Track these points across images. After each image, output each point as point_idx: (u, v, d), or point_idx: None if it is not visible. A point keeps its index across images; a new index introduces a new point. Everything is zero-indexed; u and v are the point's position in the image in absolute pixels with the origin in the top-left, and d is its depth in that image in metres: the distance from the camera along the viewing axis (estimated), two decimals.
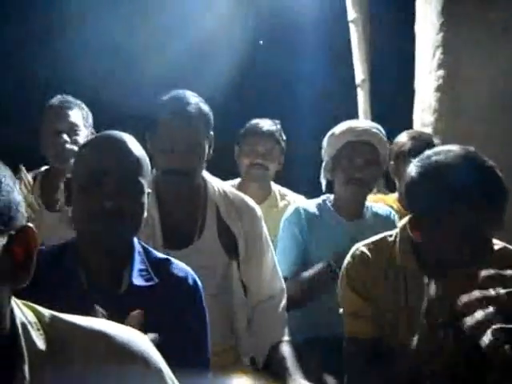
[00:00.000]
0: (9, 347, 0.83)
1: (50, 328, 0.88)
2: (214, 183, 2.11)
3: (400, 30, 3.60)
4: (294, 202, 2.87)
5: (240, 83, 4.27)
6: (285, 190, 2.99)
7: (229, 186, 2.20)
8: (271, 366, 2.00)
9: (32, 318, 0.88)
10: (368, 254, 1.70)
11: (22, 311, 0.88)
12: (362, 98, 3.70)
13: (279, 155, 2.88)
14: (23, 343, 0.84)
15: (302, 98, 4.30)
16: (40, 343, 0.86)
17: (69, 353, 0.86)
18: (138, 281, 1.46)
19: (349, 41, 3.81)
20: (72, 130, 2.39)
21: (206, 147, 2.00)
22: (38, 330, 0.87)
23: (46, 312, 0.90)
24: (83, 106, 2.49)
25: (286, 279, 2.23)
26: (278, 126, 2.92)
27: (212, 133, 2.05)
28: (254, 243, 2.08)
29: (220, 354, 1.97)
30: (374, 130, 2.35)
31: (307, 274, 2.27)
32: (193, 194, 2.04)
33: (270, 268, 2.13)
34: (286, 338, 2.05)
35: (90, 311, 1.31)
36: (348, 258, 1.74)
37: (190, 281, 1.53)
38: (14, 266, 0.82)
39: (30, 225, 0.85)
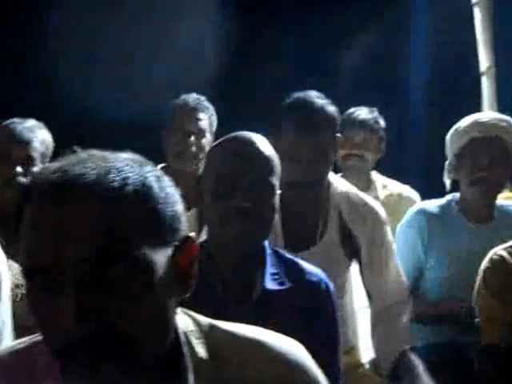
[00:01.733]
0: (173, 356, 0.85)
1: (209, 336, 0.89)
2: (338, 185, 2.07)
3: None
4: (399, 194, 2.82)
5: (352, 73, 4.18)
6: (387, 180, 2.92)
7: (353, 188, 2.15)
8: (398, 373, 1.96)
9: (192, 326, 0.89)
10: (508, 257, 1.62)
11: (183, 320, 0.89)
12: (488, 86, 3.52)
13: (377, 144, 2.84)
14: (186, 352, 0.86)
15: (422, 89, 4.16)
16: (202, 352, 0.87)
17: (228, 362, 0.87)
18: (270, 285, 1.45)
19: (472, 25, 3.63)
20: (200, 133, 2.43)
21: (333, 152, 1.96)
22: (199, 338, 0.88)
23: (204, 320, 0.92)
24: (212, 110, 2.51)
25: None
26: (375, 114, 2.88)
27: (339, 134, 2.01)
28: (377, 249, 2.03)
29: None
30: (504, 124, 2.21)
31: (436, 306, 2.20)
32: (316, 196, 2.01)
33: (394, 274, 2.08)
34: (412, 345, 2.00)
35: (225, 317, 1.32)
36: (486, 263, 1.67)
37: (323, 285, 1.51)
38: (178, 277, 0.83)
39: (192, 234, 0.86)
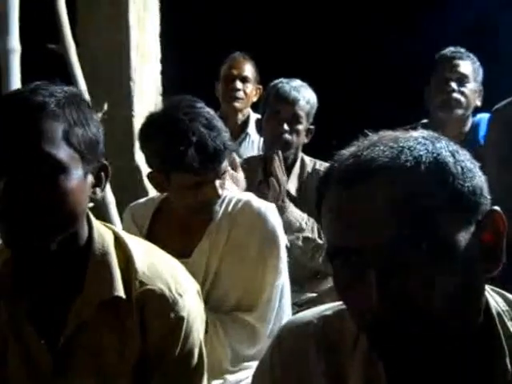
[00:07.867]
0: (483, 337, 0.86)
1: None
2: None
3: None
4: None
5: None
6: None
7: None
8: None
9: (503, 306, 0.89)
10: None
11: (494, 299, 0.89)
12: None
13: None
14: (501, 334, 0.86)
15: None
16: None
17: None
18: None
19: None
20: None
21: None
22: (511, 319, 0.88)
23: None
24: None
25: None
26: None
27: None
28: None
29: None
30: None
31: None
32: None
33: None
34: None
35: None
36: None
37: None
38: (485, 253, 0.83)
39: (497, 208, 0.85)
